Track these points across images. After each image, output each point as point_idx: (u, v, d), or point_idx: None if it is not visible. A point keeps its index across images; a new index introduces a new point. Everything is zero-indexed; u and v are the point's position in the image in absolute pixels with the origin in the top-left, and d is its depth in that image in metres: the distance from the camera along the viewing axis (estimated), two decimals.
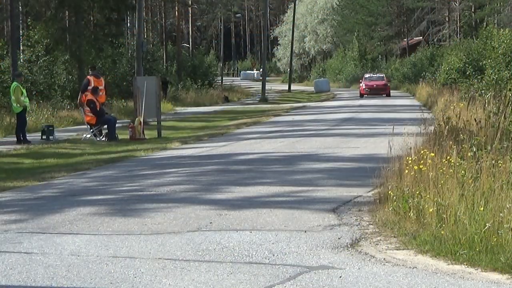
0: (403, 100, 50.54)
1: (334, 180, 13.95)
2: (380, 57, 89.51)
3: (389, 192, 10.26)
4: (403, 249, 8.47)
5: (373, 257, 8.20)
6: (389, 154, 11.57)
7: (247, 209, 11.10)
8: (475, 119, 12.11)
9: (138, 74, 33.91)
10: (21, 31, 47.32)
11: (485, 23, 56.65)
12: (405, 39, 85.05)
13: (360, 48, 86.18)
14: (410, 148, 11.31)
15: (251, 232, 9.46)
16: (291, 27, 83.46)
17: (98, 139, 25.24)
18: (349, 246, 8.70)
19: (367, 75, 63.97)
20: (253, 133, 26.83)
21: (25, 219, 10.88)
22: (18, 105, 24.41)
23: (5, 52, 39.11)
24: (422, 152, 10.58)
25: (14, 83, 25.10)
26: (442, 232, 8.49)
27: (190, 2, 77.43)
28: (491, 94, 16.67)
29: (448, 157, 9.90)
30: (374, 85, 59.69)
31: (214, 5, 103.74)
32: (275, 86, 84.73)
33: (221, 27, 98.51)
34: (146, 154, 20.73)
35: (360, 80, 63.20)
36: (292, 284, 7.23)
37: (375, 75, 64.02)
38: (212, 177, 14.87)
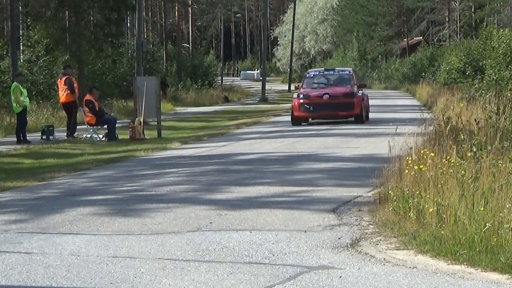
0: (403, 100, 50.49)
1: (334, 180, 13.94)
2: (380, 57, 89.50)
3: (389, 192, 10.26)
4: (403, 249, 8.46)
5: (373, 257, 8.19)
6: (389, 154, 11.57)
7: (247, 209, 11.10)
8: (475, 119, 12.12)
9: (138, 74, 33.93)
10: (21, 31, 47.32)
11: (485, 23, 56.67)
12: (405, 39, 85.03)
13: (360, 48, 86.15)
14: (411, 148, 11.31)
15: (251, 232, 9.46)
16: (291, 27, 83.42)
17: (98, 139, 25.27)
18: (349, 246, 8.70)
19: (312, 73, 32.44)
20: (253, 133, 26.83)
21: (25, 219, 10.88)
22: (18, 105, 24.42)
23: (5, 52, 39.12)
24: (422, 152, 10.58)
25: (14, 83, 25.15)
26: (442, 232, 8.48)
27: (190, 2, 77.40)
28: (491, 94, 16.70)
29: (448, 157, 9.90)
30: (326, 96, 29.24)
31: (214, 5, 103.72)
32: (275, 86, 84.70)
33: (221, 27, 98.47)
34: (146, 154, 20.73)
35: (297, 84, 35.48)
36: (292, 284, 7.23)
37: (332, 72, 31.94)
38: (212, 177, 14.87)
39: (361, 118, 29.13)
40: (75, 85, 26.38)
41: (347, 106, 29.10)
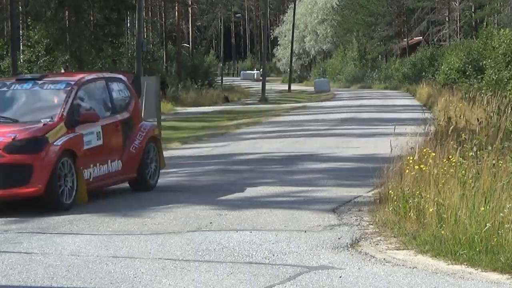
0: (403, 100, 50.46)
1: (334, 180, 13.94)
2: (380, 57, 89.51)
3: (389, 192, 10.26)
4: (403, 249, 8.46)
5: (373, 257, 8.19)
6: (390, 154, 11.57)
7: (247, 209, 11.09)
8: (477, 119, 12.13)
9: (138, 74, 33.90)
10: (21, 31, 47.29)
11: (485, 23, 56.71)
12: (405, 39, 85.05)
13: (360, 48, 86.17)
14: (412, 147, 11.31)
15: (251, 232, 9.45)
16: (291, 27, 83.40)
17: None
18: (349, 246, 8.69)
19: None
20: (253, 133, 26.82)
21: (25, 219, 10.87)
22: None
23: (5, 52, 39.12)
24: (423, 151, 10.58)
25: None
26: (442, 232, 8.48)
27: (190, 2, 77.40)
28: (493, 94, 16.71)
29: (449, 157, 9.89)
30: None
31: (214, 5, 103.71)
32: (275, 86, 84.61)
33: (221, 27, 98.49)
34: None
35: None
36: (292, 284, 7.22)
37: (29, 86, 12.49)
38: (212, 177, 14.87)
39: (53, 202, 11.51)
40: None
41: (12, 174, 11.36)
